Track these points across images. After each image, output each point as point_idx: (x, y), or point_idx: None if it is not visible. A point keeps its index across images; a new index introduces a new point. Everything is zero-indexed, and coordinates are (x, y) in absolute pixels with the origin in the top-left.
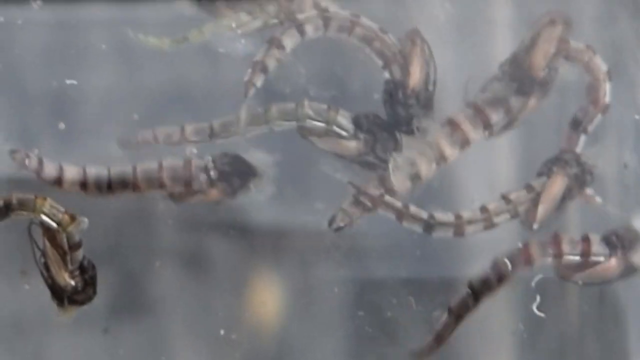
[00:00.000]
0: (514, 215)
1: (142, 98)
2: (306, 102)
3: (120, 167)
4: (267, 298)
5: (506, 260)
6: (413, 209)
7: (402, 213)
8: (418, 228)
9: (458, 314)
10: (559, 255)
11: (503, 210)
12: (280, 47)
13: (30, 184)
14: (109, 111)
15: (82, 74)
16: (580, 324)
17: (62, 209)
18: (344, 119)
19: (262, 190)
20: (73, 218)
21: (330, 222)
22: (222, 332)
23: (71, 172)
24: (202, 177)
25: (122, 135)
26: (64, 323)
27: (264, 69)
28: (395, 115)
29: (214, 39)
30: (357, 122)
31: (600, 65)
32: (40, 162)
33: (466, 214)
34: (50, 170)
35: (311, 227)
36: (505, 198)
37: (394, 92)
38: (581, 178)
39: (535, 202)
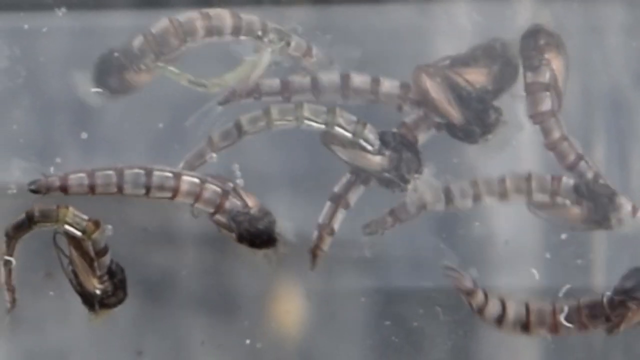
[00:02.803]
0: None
1: (167, 106)
2: (337, 109)
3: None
4: (293, 308)
5: None
6: None
7: None
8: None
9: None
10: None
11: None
12: None
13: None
14: (133, 120)
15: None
16: (608, 336)
17: (85, 217)
18: (371, 134)
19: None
20: (97, 225)
21: (365, 227)
22: (247, 341)
23: (100, 179)
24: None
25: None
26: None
27: None
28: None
29: (237, 46)
30: (383, 139)
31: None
32: (64, 179)
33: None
34: (76, 183)
35: (337, 237)
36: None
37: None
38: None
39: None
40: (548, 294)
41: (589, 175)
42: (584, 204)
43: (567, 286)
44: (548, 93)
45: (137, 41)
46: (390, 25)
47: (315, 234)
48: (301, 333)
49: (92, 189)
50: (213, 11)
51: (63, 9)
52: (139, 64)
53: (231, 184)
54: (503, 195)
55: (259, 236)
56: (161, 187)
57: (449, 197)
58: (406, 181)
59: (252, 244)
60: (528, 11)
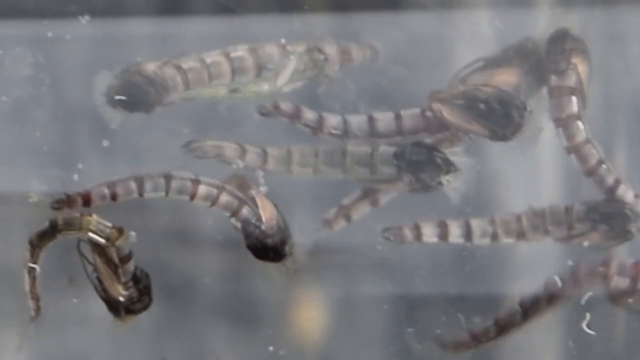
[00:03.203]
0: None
1: (191, 112)
2: (349, 147)
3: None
4: (315, 314)
5: (557, 280)
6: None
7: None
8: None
9: (502, 327)
10: (607, 278)
11: (538, 227)
12: None
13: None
14: (157, 126)
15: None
16: (630, 343)
17: (109, 224)
18: (384, 165)
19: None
20: (120, 232)
21: (385, 231)
22: (270, 348)
23: (121, 188)
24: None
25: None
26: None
27: None
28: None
29: (266, 58)
30: (398, 157)
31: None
32: (86, 195)
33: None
34: (98, 196)
35: (360, 243)
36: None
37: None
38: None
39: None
40: (570, 300)
41: (610, 180)
42: (599, 227)
43: (590, 293)
44: (574, 97)
45: (169, 71)
46: (412, 33)
47: (333, 210)
48: (324, 340)
49: (113, 198)
50: (236, 53)
51: (87, 17)
52: (167, 93)
53: (253, 191)
54: (520, 234)
55: (265, 251)
56: (180, 192)
57: (468, 234)
58: (436, 186)
59: (258, 256)
60: (550, 18)
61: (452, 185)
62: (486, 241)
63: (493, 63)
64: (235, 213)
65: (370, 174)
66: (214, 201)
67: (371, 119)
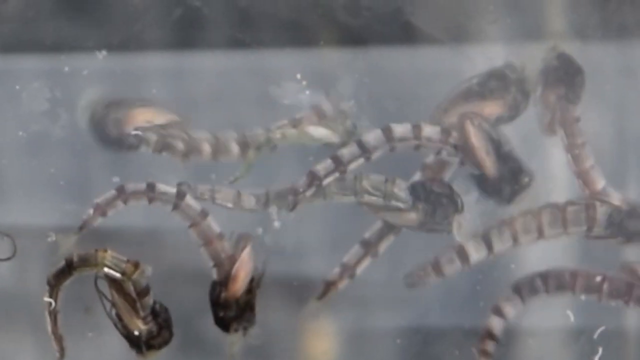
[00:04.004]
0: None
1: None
2: (364, 175)
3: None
4: (328, 347)
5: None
6: None
7: None
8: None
9: None
10: None
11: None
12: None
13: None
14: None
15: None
16: None
17: (124, 258)
18: (401, 192)
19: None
20: (136, 266)
21: (407, 277)
22: None
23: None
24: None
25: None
26: None
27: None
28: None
29: (277, 90)
30: (414, 192)
31: None
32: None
33: None
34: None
35: (373, 277)
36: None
37: (482, 183)
38: None
39: None
40: (583, 334)
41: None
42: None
43: (602, 327)
44: (580, 124)
45: (206, 146)
46: (427, 67)
47: (337, 270)
48: None
49: (124, 202)
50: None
51: (103, 52)
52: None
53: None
54: (540, 232)
55: (215, 315)
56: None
57: (489, 245)
58: (447, 226)
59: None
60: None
61: (461, 229)
62: (507, 246)
63: (476, 94)
64: (216, 265)
65: (385, 199)
66: (206, 244)
67: (386, 130)
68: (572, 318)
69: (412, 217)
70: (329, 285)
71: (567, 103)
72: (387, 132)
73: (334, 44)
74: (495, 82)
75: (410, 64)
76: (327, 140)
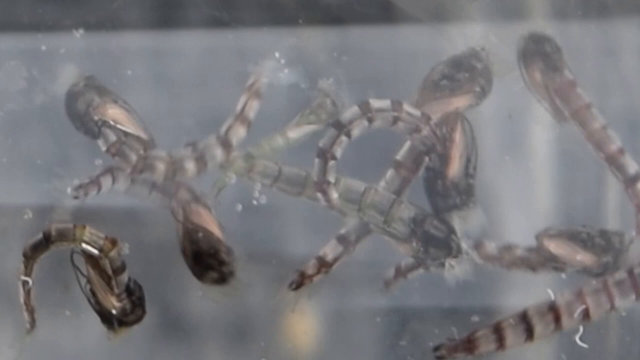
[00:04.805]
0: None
1: (184, 128)
2: (373, 190)
3: None
4: (308, 327)
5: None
6: None
7: None
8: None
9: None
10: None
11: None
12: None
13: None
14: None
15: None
16: (623, 356)
17: (102, 235)
18: (403, 219)
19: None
20: (114, 243)
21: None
22: None
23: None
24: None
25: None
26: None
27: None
28: (434, 207)
29: (255, 69)
30: (416, 223)
31: None
32: (97, 183)
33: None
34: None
35: (353, 257)
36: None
37: (432, 182)
38: None
39: None
40: None
41: (631, 169)
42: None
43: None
44: (578, 89)
45: (160, 166)
46: (406, 47)
47: (312, 262)
48: (317, 353)
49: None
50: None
51: (81, 31)
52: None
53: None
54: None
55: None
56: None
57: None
58: (437, 265)
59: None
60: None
61: (452, 270)
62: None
63: (448, 88)
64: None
65: (384, 223)
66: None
67: (364, 104)
68: (552, 296)
69: (407, 248)
70: (304, 278)
71: (552, 72)
72: (365, 106)
73: (313, 23)
74: (463, 74)
75: (389, 43)
76: (312, 131)
